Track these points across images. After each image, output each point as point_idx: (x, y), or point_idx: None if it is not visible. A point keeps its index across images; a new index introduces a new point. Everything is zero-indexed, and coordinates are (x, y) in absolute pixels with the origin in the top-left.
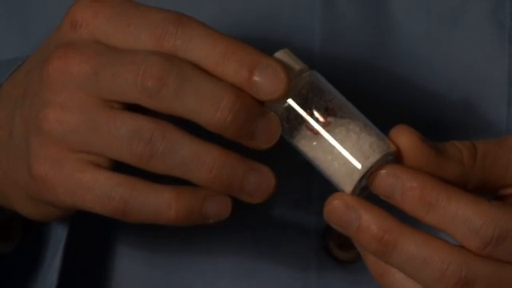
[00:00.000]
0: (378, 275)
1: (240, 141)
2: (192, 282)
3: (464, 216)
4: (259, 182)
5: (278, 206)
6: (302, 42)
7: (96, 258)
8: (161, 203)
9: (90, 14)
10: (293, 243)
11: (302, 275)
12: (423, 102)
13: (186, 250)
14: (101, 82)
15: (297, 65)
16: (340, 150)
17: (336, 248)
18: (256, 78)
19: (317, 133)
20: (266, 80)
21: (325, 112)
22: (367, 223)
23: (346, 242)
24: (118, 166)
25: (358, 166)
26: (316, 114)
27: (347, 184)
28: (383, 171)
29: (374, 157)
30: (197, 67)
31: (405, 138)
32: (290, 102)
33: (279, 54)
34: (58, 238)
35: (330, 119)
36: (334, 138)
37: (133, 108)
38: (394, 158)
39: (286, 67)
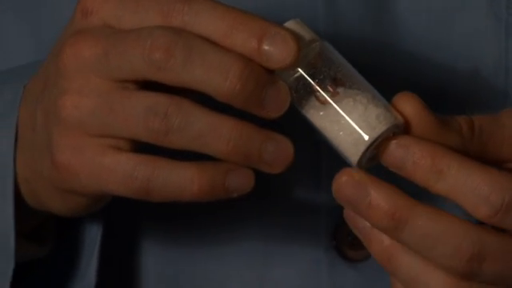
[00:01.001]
0: (384, 261)
1: (249, 110)
2: (202, 286)
3: (474, 183)
4: (278, 151)
5: (287, 202)
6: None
7: (121, 254)
8: (184, 179)
9: (99, 0)
10: (303, 242)
11: (313, 274)
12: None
13: (197, 248)
14: (111, 61)
15: (307, 35)
16: (346, 120)
17: (346, 247)
18: (265, 47)
19: (324, 102)
20: (275, 48)
21: (333, 82)
22: (378, 200)
23: (356, 241)
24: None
25: (364, 136)
26: (324, 83)
27: (353, 154)
28: (393, 142)
29: (380, 128)
30: (204, 38)
31: (409, 105)
32: (300, 71)
33: (289, 24)
34: (92, 240)
35: (338, 89)
36: (341, 109)
37: (147, 89)
38: (401, 129)
39: (295, 35)
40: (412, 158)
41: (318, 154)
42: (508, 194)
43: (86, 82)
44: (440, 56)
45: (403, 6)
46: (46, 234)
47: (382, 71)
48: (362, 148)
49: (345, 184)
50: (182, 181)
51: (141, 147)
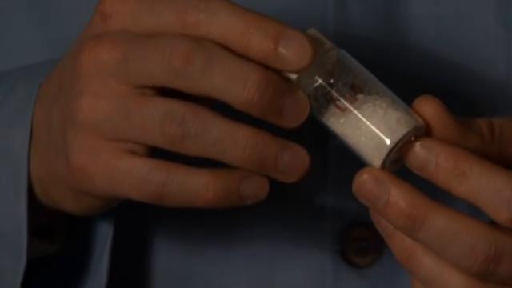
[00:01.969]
0: (403, 259)
1: (268, 119)
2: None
3: (495, 187)
4: (293, 160)
5: (294, 205)
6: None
7: (131, 252)
8: (198, 185)
9: (118, 3)
10: (309, 247)
11: (318, 279)
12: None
13: (201, 253)
14: (130, 66)
15: (324, 43)
16: (367, 125)
17: (352, 253)
18: (281, 49)
19: (344, 109)
20: (291, 51)
21: (352, 89)
22: (396, 198)
23: (361, 247)
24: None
25: (386, 140)
26: (344, 91)
27: (376, 158)
28: (417, 144)
29: (402, 131)
30: (223, 47)
31: (430, 107)
32: (319, 80)
33: (306, 33)
34: (103, 238)
35: (357, 96)
36: (362, 114)
37: (165, 95)
38: (423, 132)
39: (312, 39)
40: (435, 159)
41: (325, 159)
42: None
43: (104, 86)
44: (452, 56)
45: (414, 9)
46: (57, 231)
47: (393, 71)
48: (385, 151)
49: (365, 181)
50: (196, 187)
51: (157, 154)
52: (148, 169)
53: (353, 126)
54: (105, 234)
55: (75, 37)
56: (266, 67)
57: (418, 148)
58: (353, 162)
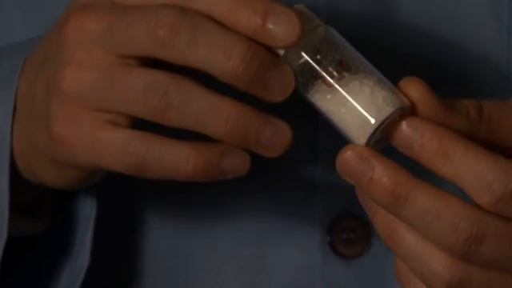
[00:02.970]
0: (386, 236)
1: (253, 92)
2: (195, 276)
3: (479, 170)
4: (275, 135)
5: (282, 195)
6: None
7: (121, 230)
8: (179, 158)
9: None
10: (297, 237)
11: (306, 269)
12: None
13: (188, 241)
14: (115, 36)
15: (312, 19)
16: (353, 103)
17: (340, 244)
18: (270, 25)
19: (331, 86)
20: (279, 26)
21: (339, 66)
22: (380, 175)
23: (350, 238)
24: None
25: (371, 119)
26: (330, 68)
27: (360, 137)
28: (403, 123)
29: (387, 110)
30: (209, 18)
31: (414, 89)
32: (305, 55)
33: (294, 9)
34: (86, 218)
35: (344, 73)
36: (348, 92)
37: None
38: (408, 111)
39: (300, 16)
40: (420, 138)
41: (316, 133)
42: None
43: (89, 56)
44: (443, 32)
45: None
46: (41, 211)
47: (384, 48)
48: (370, 130)
49: (349, 158)
50: (176, 159)
51: (141, 127)
52: (129, 140)
53: (338, 104)
54: (88, 215)
55: None
56: (253, 41)
57: (404, 127)
58: (344, 138)
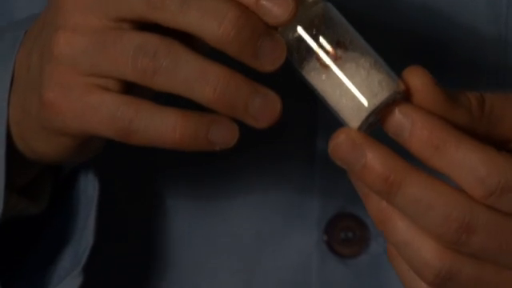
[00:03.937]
0: (378, 222)
1: (243, 59)
2: (192, 274)
3: (471, 163)
4: (264, 105)
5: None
6: None
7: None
8: (166, 125)
9: None
10: (294, 236)
11: (303, 268)
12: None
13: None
14: (110, 0)
15: None
16: (349, 85)
17: (337, 243)
18: (263, 2)
19: (326, 66)
20: (273, 3)
21: (336, 45)
22: (373, 162)
23: (347, 237)
24: None
25: (366, 102)
26: (327, 46)
27: (354, 120)
28: (396, 109)
29: (383, 94)
30: None
31: (417, 78)
32: (301, 31)
33: None
34: (89, 200)
35: (340, 53)
36: (344, 73)
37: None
38: (403, 96)
39: None
40: (410, 126)
41: (315, 132)
42: (504, 176)
43: (83, 20)
44: (444, 13)
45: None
46: (40, 192)
47: (385, 27)
48: (364, 114)
49: (341, 143)
50: (163, 126)
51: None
52: (117, 104)
53: (333, 85)
54: (90, 197)
55: None
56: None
57: (396, 113)
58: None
